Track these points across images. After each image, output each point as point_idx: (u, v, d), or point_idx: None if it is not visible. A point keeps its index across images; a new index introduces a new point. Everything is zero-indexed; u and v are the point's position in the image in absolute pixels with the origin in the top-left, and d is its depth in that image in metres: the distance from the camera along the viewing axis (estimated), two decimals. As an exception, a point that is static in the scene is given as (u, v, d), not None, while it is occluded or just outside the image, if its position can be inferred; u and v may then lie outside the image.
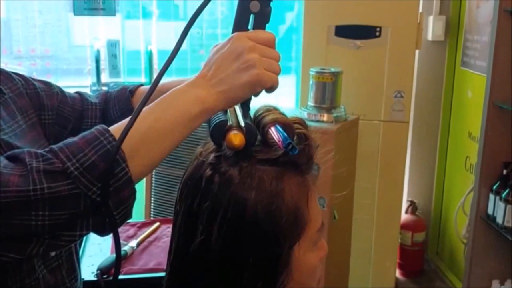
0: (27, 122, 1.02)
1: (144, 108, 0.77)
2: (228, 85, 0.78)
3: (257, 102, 0.84)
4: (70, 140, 0.75)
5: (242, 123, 0.78)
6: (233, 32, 0.82)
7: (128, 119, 0.75)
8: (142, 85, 1.20)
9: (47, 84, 1.12)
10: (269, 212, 0.72)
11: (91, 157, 0.72)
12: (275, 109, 0.81)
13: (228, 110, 0.82)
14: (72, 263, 1.08)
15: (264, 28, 0.83)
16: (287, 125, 0.77)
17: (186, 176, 0.79)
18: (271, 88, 0.80)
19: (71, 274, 1.06)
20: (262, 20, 0.83)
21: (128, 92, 1.16)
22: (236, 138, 0.75)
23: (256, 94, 0.80)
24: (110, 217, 0.75)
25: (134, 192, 0.76)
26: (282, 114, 0.80)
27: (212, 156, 0.77)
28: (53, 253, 1.00)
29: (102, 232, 0.78)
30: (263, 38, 0.80)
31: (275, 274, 0.74)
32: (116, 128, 0.76)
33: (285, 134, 0.74)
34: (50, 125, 1.08)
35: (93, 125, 1.13)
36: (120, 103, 1.15)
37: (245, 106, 0.82)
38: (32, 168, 0.71)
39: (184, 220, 0.77)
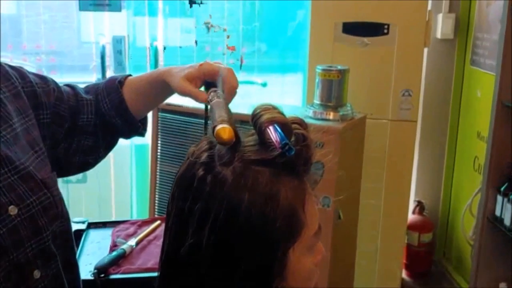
0: (23, 124, 0.99)
1: None
2: None
3: (259, 100, 0.81)
4: None
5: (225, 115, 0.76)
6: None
7: None
8: (130, 75, 1.18)
9: (43, 78, 1.09)
10: (263, 215, 0.69)
11: None
12: (274, 107, 0.78)
13: (211, 107, 0.80)
14: (70, 264, 1.07)
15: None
16: (284, 124, 0.74)
17: (178, 175, 0.77)
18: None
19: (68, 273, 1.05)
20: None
21: (117, 83, 1.14)
22: (225, 132, 0.72)
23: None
24: None
25: None
26: (281, 113, 0.77)
27: (205, 155, 0.74)
28: None
29: None
30: None
31: (268, 279, 0.71)
32: None
33: (283, 134, 0.72)
34: (47, 125, 1.06)
35: (89, 121, 1.12)
36: (110, 95, 1.13)
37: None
38: None
39: (175, 221, 0.75)
